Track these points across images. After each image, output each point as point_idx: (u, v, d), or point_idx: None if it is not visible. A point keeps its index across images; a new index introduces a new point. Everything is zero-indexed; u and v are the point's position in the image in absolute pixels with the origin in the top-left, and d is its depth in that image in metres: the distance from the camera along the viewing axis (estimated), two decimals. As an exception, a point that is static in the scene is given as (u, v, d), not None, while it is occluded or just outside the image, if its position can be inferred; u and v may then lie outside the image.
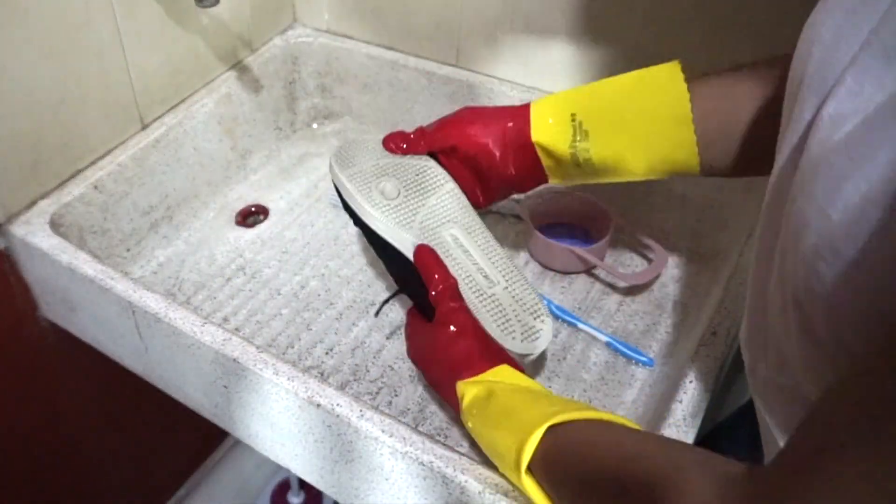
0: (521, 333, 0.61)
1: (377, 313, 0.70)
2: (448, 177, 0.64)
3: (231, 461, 1.21)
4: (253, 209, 0.90)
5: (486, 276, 0.62)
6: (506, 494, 0.49)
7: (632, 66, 0.79)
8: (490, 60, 0.87)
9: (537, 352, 0.62)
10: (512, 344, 0.61)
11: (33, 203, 0.71)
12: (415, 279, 0.62)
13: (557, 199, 0.83)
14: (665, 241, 0.82)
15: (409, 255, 0.61)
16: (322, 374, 0.71)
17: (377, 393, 0.70)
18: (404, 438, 0.52)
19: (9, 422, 0.79)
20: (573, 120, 0.58)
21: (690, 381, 0.59)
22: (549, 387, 0.71)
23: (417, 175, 0.64)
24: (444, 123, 0.65)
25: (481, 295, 0.62)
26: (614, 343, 0.73)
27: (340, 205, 0.65)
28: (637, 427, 0.46)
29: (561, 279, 0.80)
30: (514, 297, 0.63)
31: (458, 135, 0.63)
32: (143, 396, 0.83)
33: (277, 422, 0.60)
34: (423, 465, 0.51)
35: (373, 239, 0.65)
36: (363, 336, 0.75)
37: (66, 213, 0.72)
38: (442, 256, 0.61)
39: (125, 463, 1.00)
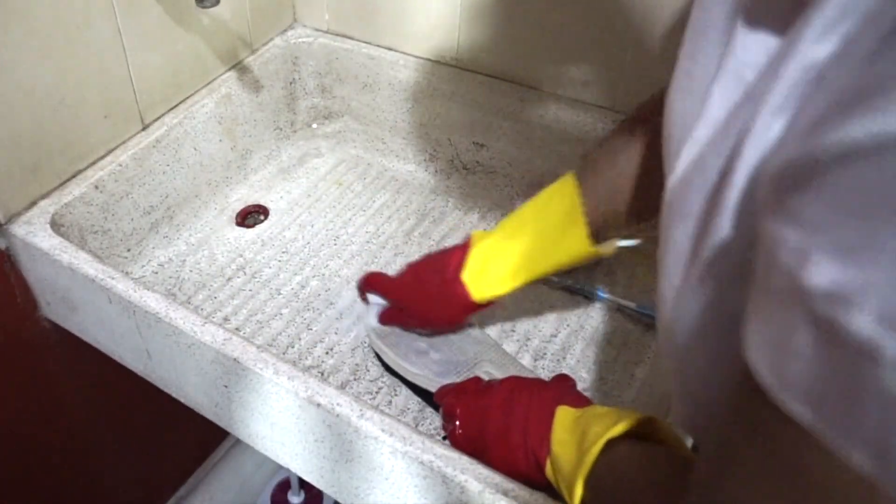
0: None
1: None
2: (471, 323, 0.73)
3: (231, 461, 1.21)
4: (253, 209, 0.90)
5: None
6: (505, 494, 0.49)
7: (630, 65, 0.79)
8: (490, 60, 0.87)
9: None
10: None
11: (34, 203, 0.71)
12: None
13: None
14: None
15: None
16: (322, 374, 0.71)
17: (377, 393, 0.70)
18: (404, 438, 0.52)
19: (9, 421, 0.79)
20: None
21: (690, 381, 0.59)
22: (549, 386, 0.71)
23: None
24: (404, 312, 0.70)
25: None
26: (643, 310, 0.76)
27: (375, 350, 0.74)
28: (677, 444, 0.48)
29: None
30: None
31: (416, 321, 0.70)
32: (143, 396, 0.83)
33: (278, 421, 0.60)
34: (423, 464, 0.51)
35: (411, 386, 0.71)
36: (363, 336, 0.75)
37: (66, 212, 0.72)
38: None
39: (125, 462, 1.00)
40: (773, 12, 0.31)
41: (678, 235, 0.34)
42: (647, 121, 0.57)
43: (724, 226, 0.30)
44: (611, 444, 0.47)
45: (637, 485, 0.43)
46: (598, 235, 0.60)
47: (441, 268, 0.66)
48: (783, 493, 0.26)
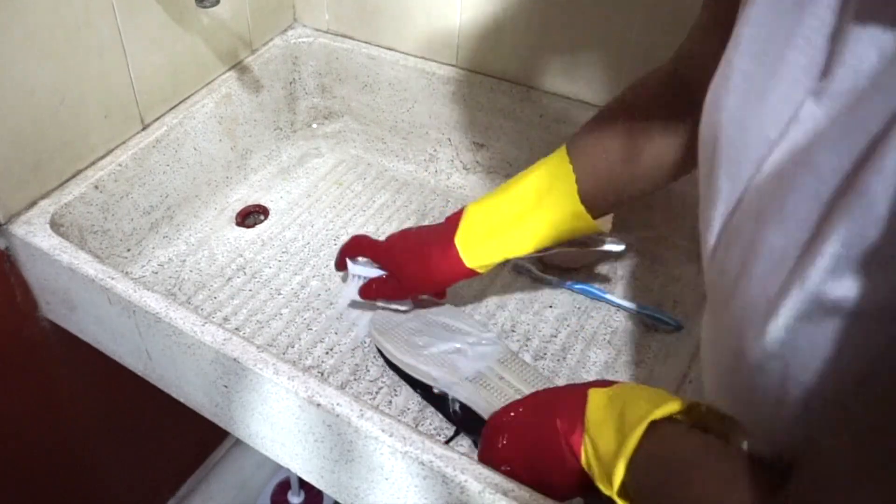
0: None
1: (448, 441, 0.69)
2: (473, 321, 0.74)
3: (231, 461, 1.21)
4: (253, 209, 0.90)
5: (523, 395, 0.65)
6: (505, 494, 0.49)
7: (630, 65, 0.79)
8: (490, 60, 0.87)
9: None
10: None
11: (34, 203, 0.71)
12: (465, 412, 0.67)
13: None
14: (665, 241, 0.82)
15: (454, 394, 0.67)
16: (322, 374, 0.71)
17: (377, 393, 0.70)
18: (404, 438, 0.52)
19: (9, 421, 0.79)
20: (506, 262, 0.67)
21: (690, 381, 0.59)
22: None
23: (444, 325, 0.73)
24: (399, 283, 0.71)
25: None
26: (644, 310, 0.76)
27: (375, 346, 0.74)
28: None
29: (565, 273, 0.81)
30: None
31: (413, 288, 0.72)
32: (143, 396, 0.83)
33: (278, 421, 0.60)
34: (423, 464, 0.51)
35: (413, 383, 0.71)
36: (363, 336, 0.75)
37: (66, 212, 0.72)
38: (484, 388, 0.66)
39: (125, 462, 1.00)
40: (885, 14, 0.31)
41: (774, 238, 0.34)
42: (625, 114, 0.61)
43: (872, 223, 0.30)
44: (654, 426, 0.43)
45: (692, 475, 0.40)
46: (592, 213, 0.63)
47: (436, 233, 0.68)
48: None
